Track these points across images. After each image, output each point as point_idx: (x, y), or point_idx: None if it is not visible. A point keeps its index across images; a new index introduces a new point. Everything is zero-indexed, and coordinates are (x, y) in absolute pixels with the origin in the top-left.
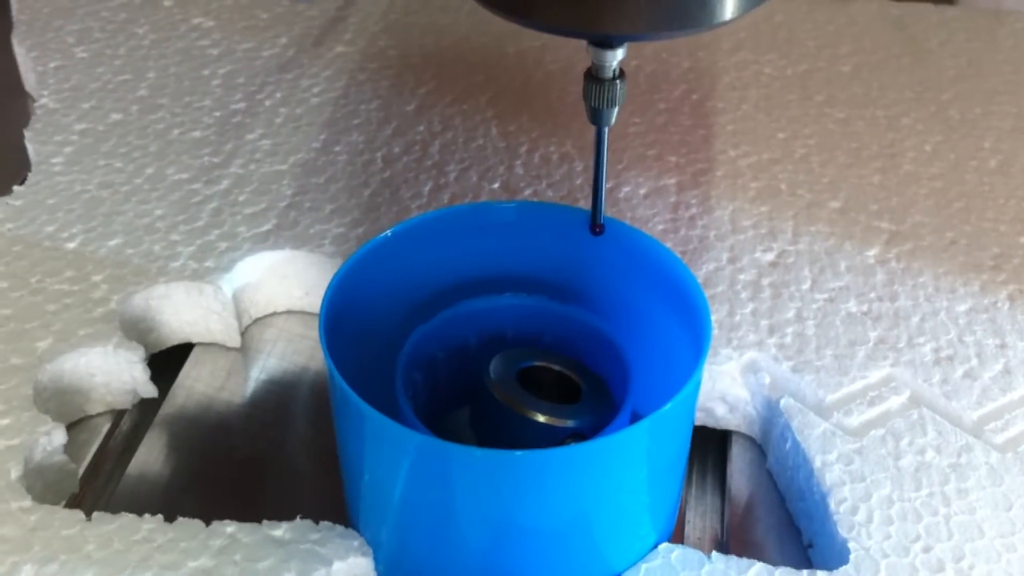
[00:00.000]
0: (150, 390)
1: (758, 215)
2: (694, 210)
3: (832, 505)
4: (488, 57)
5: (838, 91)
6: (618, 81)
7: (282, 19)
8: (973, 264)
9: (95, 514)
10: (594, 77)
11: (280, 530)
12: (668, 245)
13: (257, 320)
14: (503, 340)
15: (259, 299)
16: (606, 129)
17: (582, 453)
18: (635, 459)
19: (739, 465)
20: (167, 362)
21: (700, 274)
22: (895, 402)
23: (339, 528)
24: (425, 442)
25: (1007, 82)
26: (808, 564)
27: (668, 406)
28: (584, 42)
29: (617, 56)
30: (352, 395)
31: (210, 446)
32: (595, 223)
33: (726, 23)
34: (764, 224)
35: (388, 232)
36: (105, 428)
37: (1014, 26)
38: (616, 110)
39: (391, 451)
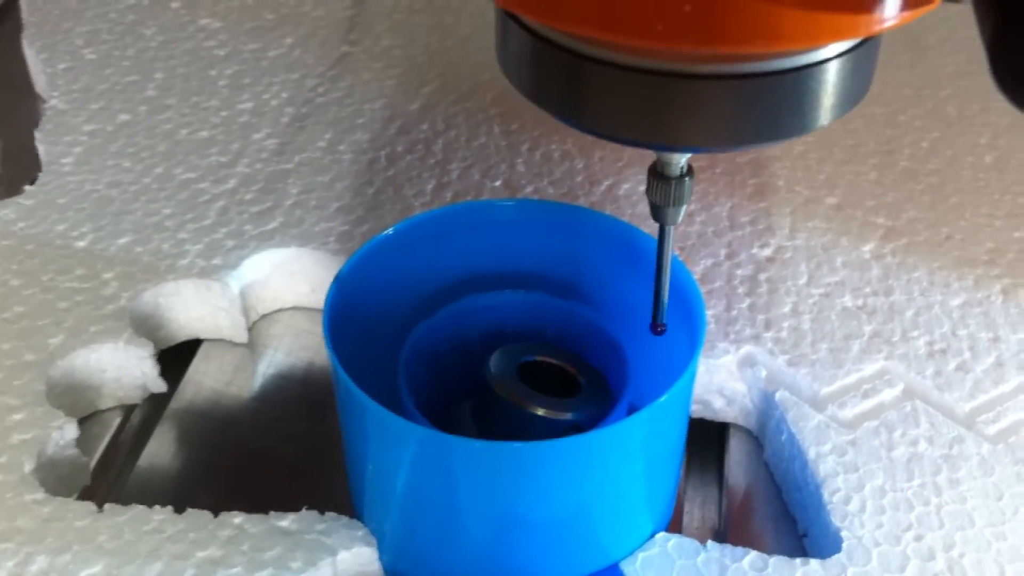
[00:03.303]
0: (160, 385)
1: (756, 211)
2: (693, 206)
3: (826, 495)
4: (492, 56)
5: None
6: (686, 179)
7: (288, 20)
8: (967, 259)
9: (107, 506)
10: (659, 173)
11: (287, 521)
12: None
13: (264, 316)
14: (504, 335)
15: (266, 296)
16: (671, 228)
17: (581, 444)
18: (632, 450)
19: (736, 457)
20: (176, 358)
21: (698, 270)
22: (888, 395)
23: (344, 519)
24: (427, 435)
25: None
26: (803, 553)
27: (664, 398)
28: None
29: (686, 155)
30: (355, 389)
31: (218, 439)
32: (656, 323)
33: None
34: (762, 220)
35: (391, 230)
36: (116, 422)
37: None
38: (683, 209)
39: (394, 444)
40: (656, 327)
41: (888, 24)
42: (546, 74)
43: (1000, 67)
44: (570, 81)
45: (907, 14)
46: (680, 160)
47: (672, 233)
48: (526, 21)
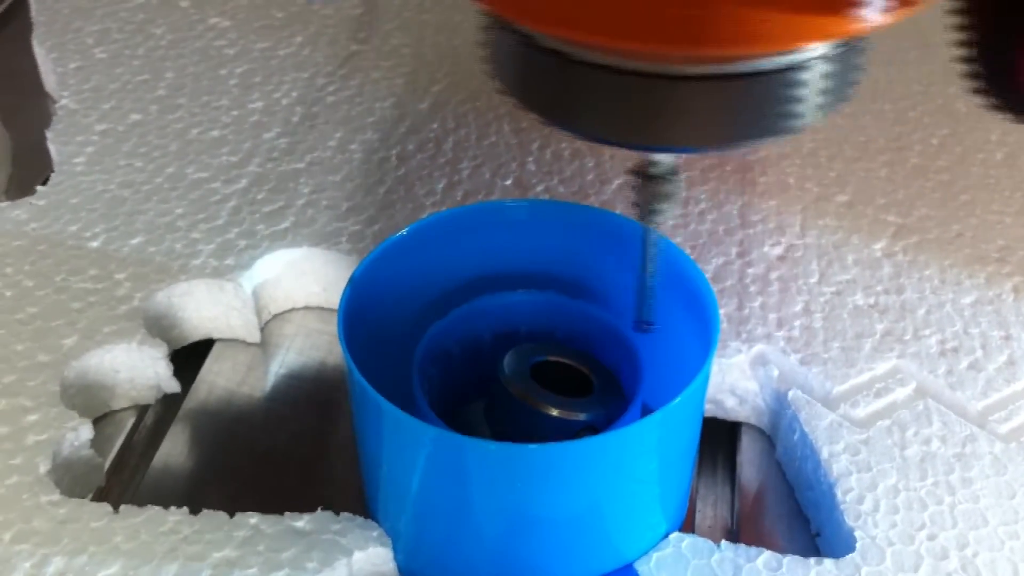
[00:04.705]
0: (173, 385)
1: (766, 209)
2: (703, 205)
3: (839, 495)
4: None
5: None
6: (674, 178)
7: (297, 18)
8: (978, 256)
9: (122, 507)
10: (646, 174)
11: (302, 521)
12: (678, 240)
13: (276, 316)
14: (517, 335)
15: (278, 295)
16: (655, 228)
17: (594, 446)
18: (646, 451)
19: (748, 456)
20: (189, 358)
21: (709, 269)
22: (901, 393)
23: (359, 519)
24: (441, 435)
25: None
26: (816, 552)
27: (678, 400)
28: None
29: (674, 155)
30: (370, 390)
31: (232, 439)
32: (641, 321)
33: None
34: (772, 219)
35: (404, 231)
36: (130, 423)
37: None
38: (671, 208)
39: (408, 444)
40: (640, 325)
41: (872, 25)
42: (532, 77)
43: (983, 78)
44: (555, 84)
45: (891, 15)
46: (668, 158)
47: (656, 233)
48: (510, 23)
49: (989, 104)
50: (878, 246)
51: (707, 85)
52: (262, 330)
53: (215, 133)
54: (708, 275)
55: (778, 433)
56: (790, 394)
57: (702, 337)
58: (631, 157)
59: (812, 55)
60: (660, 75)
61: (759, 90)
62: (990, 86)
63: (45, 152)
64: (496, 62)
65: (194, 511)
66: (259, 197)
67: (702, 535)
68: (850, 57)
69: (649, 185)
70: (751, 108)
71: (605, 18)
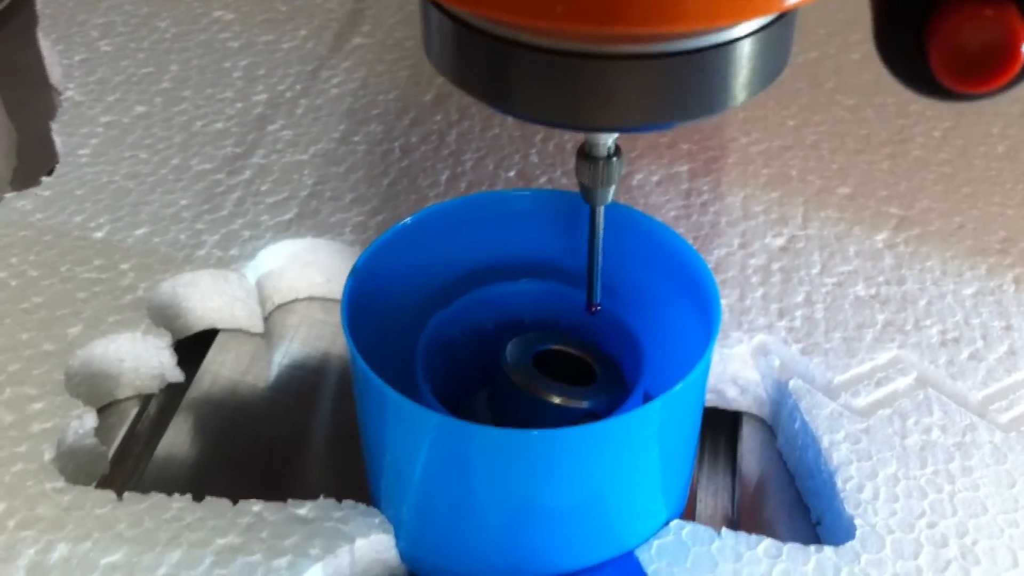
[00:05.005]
0: (177, 375)
1: (769, 201)
2: (706, 196)
3: (839, 483)
4: None
5: (848, 78)
6: (614, 159)
7: (301, 11)
8: (980, 248)
9: (126, 494)
10: (587, 155)
11: (305, 508)
12: (680, 231)
13: (280, 306)
14: (520, 325)
15: (282, 286)
16: (601, 209)
17: (596, 433)
18: (647, 438)
19: (750, 445)
20: (193, 348)
21: (712, 259)
22: (902, 383)
23: (361, 506)
24: (444, 422)
25: None
26: (816, 540)
27: (679, 387)
28: None
29: (613, 135)
30: (374, 377)
31: (235, 428)
32: (591, 304)
33: (725, 110)
34: (775, 210)
35: (407, 220)
36: (134, 412)
37: None
38: (612, 189)
39: (412, 431)
40: (590, 308)
41: (788, 5)
42: (467, 59)
43: (885, 54)
44: (489, 65)
45: None
46: (607, 141)
47: (603, 213)
48: (444, 6)
49: (901, 80)
50: (880, 237)
51: (634, 64)
52: (266, 320)
53: (219, 125)
54: (710, 266)
55: (779, 422)
56: (791, 384)
57: (704, 326)
58: (632, 149)
59: (738, 34)
60: (589, 55)
61: (687, 69)
62: (900, 64)
63: (50, 143)
64: (432, 46)
65: (197, 499)
66: (263, 188)
67: (703, 523)
68: (777, 35)
69: (590, 166)
70: (680, 87)
71: None
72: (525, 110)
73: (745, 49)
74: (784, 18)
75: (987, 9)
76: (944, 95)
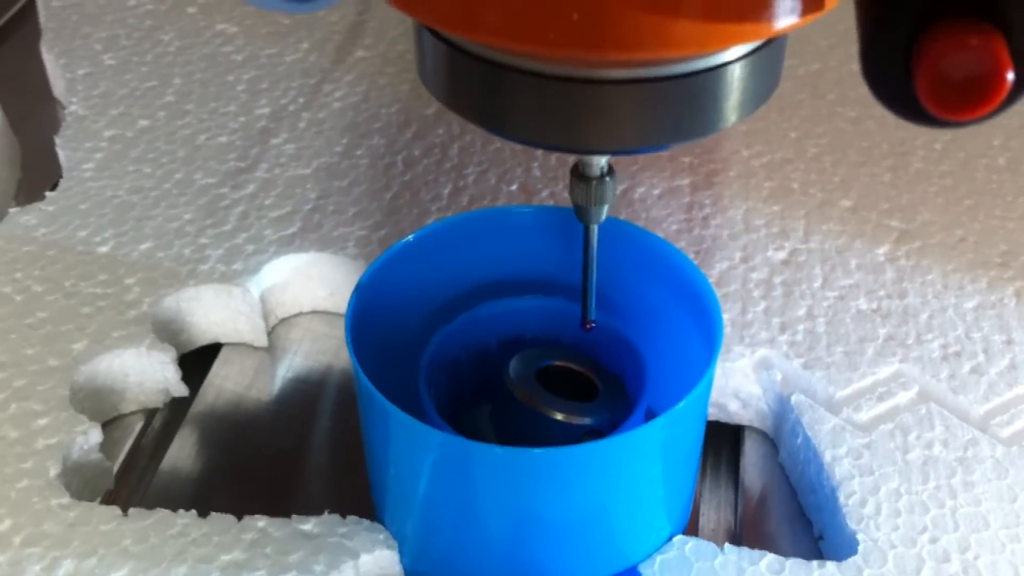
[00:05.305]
0: (181, 389)
1: (770, 214)
2: (707, 210)
3: (841, 498)
4: None
5: (849, 90)
6: (607, 179)
7: (304, 24)
8: (981, 261)
9: (131, 510)
10: (580, 174)
11: (309, 524)
12: (682, 245)
13: (283, 320)
14: (522, 340)
15: (285, 300)
16: (595, 228)
17: (599, 450)
18: (650, 455)
19: (752, 459)
20: (197, 362)
21: (713, 273)
22: (903, 397)
23: (366, 522)
24: (448, 440)
25: None
26: (819, 555)
27: (682, 404)
28: None
29: (604, 156)
30: (377, 395)
31: (239, 443)
32: (585, 321)
33: (717, 131)
34: (776, 223)
35: (411, 237)
36: (138, 426)
37: None
38: (605, 208)
39: (415, 449)
40: (585, 324)
41: (777, 30)
42: (460, 82)
43: (871, 75)
44: (482, 89)
45: (797, 20)
46: (600, 161)
47: (596, 232)
48: (438, 30)
49: (886, 105)
50: (881, 251)
51: (626, 88)
52: (269, 334)
53: (223, 139)
54: (712, 280)
55: (781, 437)
56: (793, 398)
57: (706, 341)
58: (633, 163)
59: (729, 57)
60: (581, 79)
61: (678, 92)
62: (886, 89)
63: (54, 158)
64: (427, 69)
65: (202, 514)
66: (266, 202)
67: (706, 538)
68: (767, 57)
69: (583, 186)
70: (672, 110)
71: (514, 23)
72: (518, 133)
73: (736, 72)
74: (774, 42)
75: (973, 38)
76: (929, 121)
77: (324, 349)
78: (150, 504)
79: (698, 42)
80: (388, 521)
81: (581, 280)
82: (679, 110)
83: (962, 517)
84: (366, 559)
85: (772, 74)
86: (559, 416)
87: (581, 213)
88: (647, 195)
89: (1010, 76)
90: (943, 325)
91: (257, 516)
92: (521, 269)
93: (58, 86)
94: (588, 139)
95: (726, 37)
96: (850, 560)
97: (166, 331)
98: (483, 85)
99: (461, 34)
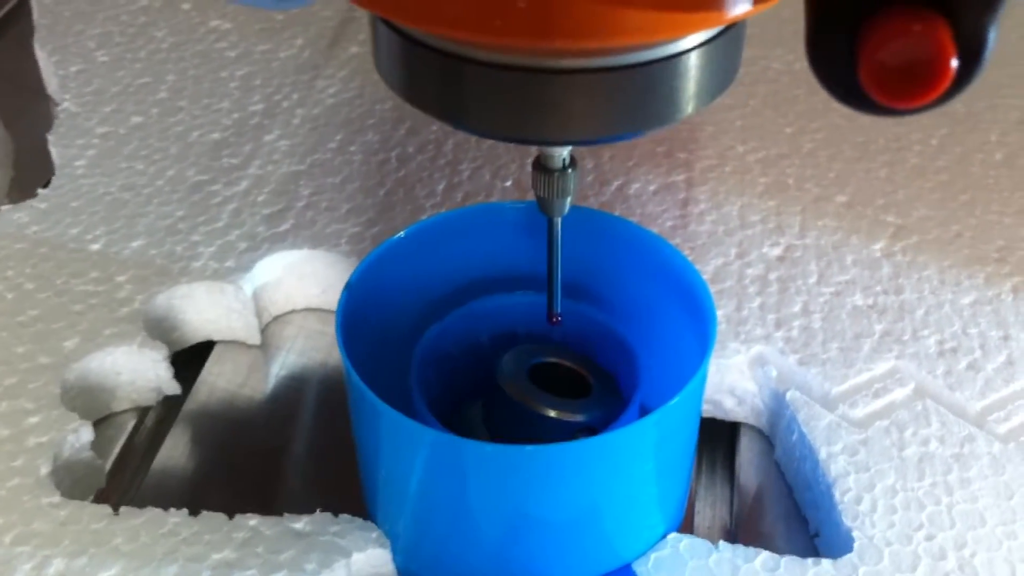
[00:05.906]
0: (174, 387)
1: (766, 210)
2: (703, 206)
3: (837, 495)
4: None
5: None
6: (569, 170)
7: (297, 20)
8: (978, 257)
9: (122, 508)
10: (542, 166)
11: (301, 523)
12: (677, 241)
13: (276, 318)
14: (515, 337)
15: (278, 297)
16: (558, 220)
17: (592, 447)
18: (644, 452)
19: (747, 456)
20: (190, 360)
21: (708, 269)
22: (899, 394)
23: (358, 521)
24: (439, 438)
25: (1012, 75)
26: (814, 553)
27: (675, 400)
28: None
29: (566, 148)
30: (368, 393)
31: (232, 441)
32: (551, 315)
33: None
34: (772, 219)
35: (402, 233)
36: (130, 425)
37: (1020, 19)
38: (568, 200)
39: (407, 447)
40: (551, 318)
41: (730, 18)
42: (414, 74)
43: (816, 62)
44: (436, 80)
45: (749, 8)
46: (562, 152)
47: (560, 224)
48: (390, 21)
49: (831, 93)
50: (877, 246)
51: (579, 78)
52: (262, 332)
53: (216, 136)
54: (707, 276)
55: (777, 434)
56: (788, 395)
57: (700, 338)
58: (629, 159)
59: (683, 47)
60: (533, 69)
61: (633, 82)
62: (831, 77)
63: (46, 155)
64: (382, 62)
65: (194, 513)
66: (259, 199)
67: (701, 535)
68: (723, 47)
69: (545, 178)
70: (627, 100)
71: (461, 12)
72: (473, 125)
73: (692, 61)
74: (730, 31)
75: (916, 24)
76: (875, 109)
77: (318, 347)
78: (142, 503)
79: (649, 30)
80: (380, 519)
81: (547, 274)
82: (635, 100)
83: (958, 514)
84: (358, 558)
85: (731, 63)
86: (552, 413)
87: (544, 206)
88: (642, 191)
89: (954, 63)
90: (939, 321)
91: (249, 515)
92: (513, 265)
93: (51, 83)
94: (545, 130)
95: (677, 25)
96: (846, 557)
97: (158, 329)
98: (438, 77)
99: (410, 24)
